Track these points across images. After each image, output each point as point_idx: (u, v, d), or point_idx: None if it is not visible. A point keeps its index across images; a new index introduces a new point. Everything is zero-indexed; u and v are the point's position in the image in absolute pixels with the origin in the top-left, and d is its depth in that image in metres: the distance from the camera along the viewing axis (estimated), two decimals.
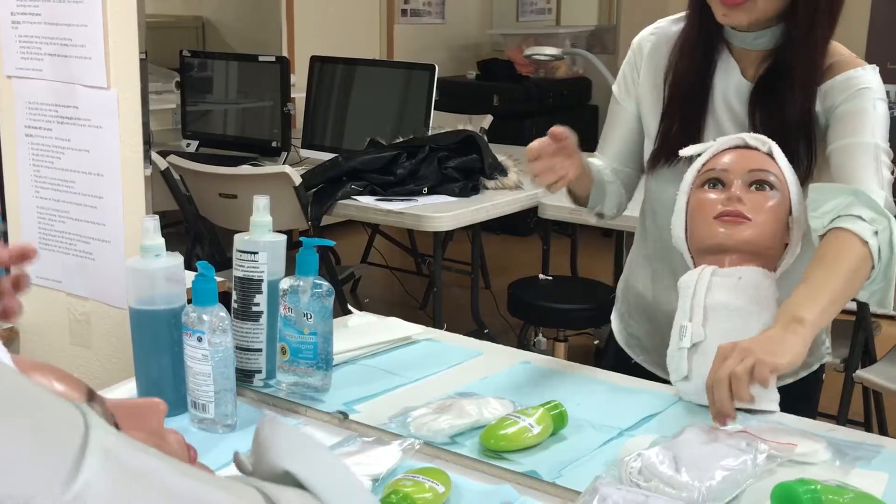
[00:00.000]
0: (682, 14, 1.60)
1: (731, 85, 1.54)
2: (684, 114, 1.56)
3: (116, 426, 0.63)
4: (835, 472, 1.15)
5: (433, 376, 1.45)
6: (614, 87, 1.68)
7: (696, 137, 1.54)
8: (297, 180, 2.99)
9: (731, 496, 1.06)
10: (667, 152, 1.57)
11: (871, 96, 1.46)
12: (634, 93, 1.65)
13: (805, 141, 1.49)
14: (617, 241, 3.60)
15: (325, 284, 1.34)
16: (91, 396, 0.62)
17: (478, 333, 3.10)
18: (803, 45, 1.46)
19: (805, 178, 1.49)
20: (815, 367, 1.63)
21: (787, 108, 1.48)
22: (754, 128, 1.50)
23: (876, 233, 1.34)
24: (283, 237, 1.39)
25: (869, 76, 1.48)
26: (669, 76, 1.58)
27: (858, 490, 1.06)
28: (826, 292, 1.30)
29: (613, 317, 1.77)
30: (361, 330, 1.62)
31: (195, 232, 3.41)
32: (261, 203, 1.37)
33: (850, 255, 1.33)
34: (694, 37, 1.55)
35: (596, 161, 1.66)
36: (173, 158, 3.33)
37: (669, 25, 1.64)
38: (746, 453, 1.10)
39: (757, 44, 1.51)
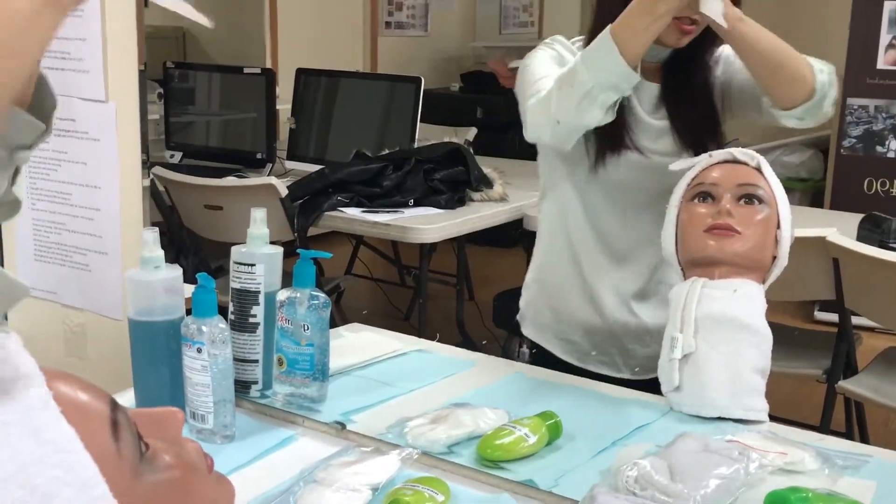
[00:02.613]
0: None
1: (638, 88, 1.64)
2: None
3: (139, 435, 0.64)
4: (824, 480, 1.17)
5: (428, 387, 1.47)
6: (556, 47, 1.72)
7: (624, 132, 1.65)
8: (284, 192, 3.00)
9: None
10: (611, 144, 1.66)
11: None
12: None
13: (712, 130, 1.67)
14: None
15: (322, 296, 1.35)
16: (114, 406, 0.63)
17: (466, 345, 3.12)
18: (702, 57, 1.66)
19: None
20: None
21: (696, 98, 1.66)
22: (672, 122, 1.66)
23: (822, 70, 1.53)
24: (280, 249, 1.40)
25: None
26: None
27: (849, 498, 1.08)
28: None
29: (530, 332, 1.85)
30: (353, 344, 1.64)
31: (179, 243, 3.42)
32: (258, 215, 1.39)
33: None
34: None
35: None
36: (157, 170, 3.34)
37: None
38: (739, 462, 1.13)
39: (661, 56, 1.65)
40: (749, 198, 1.45)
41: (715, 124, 1.68)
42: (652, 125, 1.67)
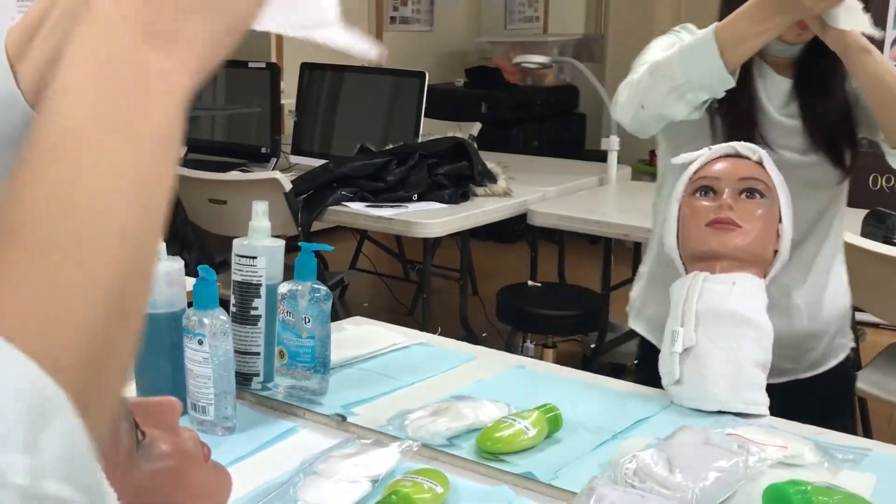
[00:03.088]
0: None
1: (768, 83, 1.62)
2: (736, 107, 1.61)
3: (136, 423, 0.64)
4: (824, 473, 1.17)
5: (429, 380, 1.47)
6: (682, 35, 1.69)
7: (754, 128, 1.61)
8: (288, 186, 3.01)
9: (724, 497, 1.09)
10: (737, 139, 1.58)
11: None
12: None
13: (847, 131, 1.62)
14: (605, 248, 3.63)
15: (323, 289, 1.35)
16: None
17: (468, 339, 3.12)
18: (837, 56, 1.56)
19: (847, 174, 1.63)
20: (832, 363, 1.71)
21: (831, 98, 1.61)
22: (804, 120, 1.61)
23: None
24: (282, 242, 1.40)
25: None
26: None
27: (847, 491, 1.08)
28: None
29: (638, 325, 1.80)
30: (355, 337, 1.64)
31: (183, 237, 3.42)
32: (260, 208, 1.39)
33: None
34: None
35: None
36: None
37: None
38: (738, 455, 1.13)
39: (793, 52, 1.60)
40: (750, 192, 1.45)
41: (849, 126, 1.62)
42: (781, 122, 1.63)
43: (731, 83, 1.50)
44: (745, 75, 1.60)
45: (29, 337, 0.38)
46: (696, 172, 1.51)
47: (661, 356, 1.44)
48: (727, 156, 1.50)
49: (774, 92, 1.64)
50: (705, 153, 1.52)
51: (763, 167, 1.49)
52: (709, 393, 1.37)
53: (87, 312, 0.41)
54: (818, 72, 1.61)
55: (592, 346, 3.60)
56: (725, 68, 1.47)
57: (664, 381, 1.42)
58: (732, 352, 1.38)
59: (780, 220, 1.47)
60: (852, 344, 1.76)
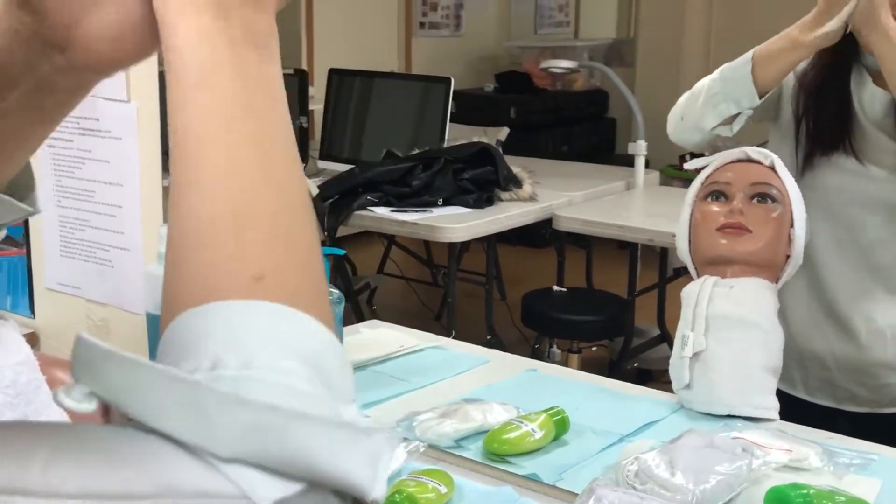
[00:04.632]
0: None
1: (865, 93, 1.59)
2: (823, 110, 1.60)
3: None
4: (828, 477, 1.17)
5: (440, 383, 1.49)
6: None
7: (842, 135, 1.59)
8: (315, 191, 3.04)
9: (725, 500, 1.09)
10: (822, 144, 1.61)
11: None
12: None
13: None
14: (632, 254, 3.63)
15: (336, 292, 1.37)
16: None
17: (494, 344, 3.14)
18: None
19: None
20: None
21: None
22: None
23: None
24: None
25: None
26: (805, 79, 1.62)
27: (851, 495, 1.09)
28: None
29: None
30: (369, 340, 1.66)
31: None
32: None
33: None
34: (829, 49, 1.56)
35: None
36: None
37: None
38: (742, 458, 1.13)
39: None
40: (762, 196, 1.46)
41: None
42: (874, 135, 1.58)
43: (755, 101, 1.52)
44: (841, 78, 1.59)
45: (308, 305, 0.47)
46: (708, 177, 1.51)
47: (671, 360, 1.44)
48: (739, 161, 1.50)
49: (871, 102, 1.58)
50: (718, 158, 1.52)
51: (776, 172, 1.49)
52: (718, 397, 1.37)
53: (316, 262, 0.50)
54: None
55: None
56: (754, 83, 1.51)
57: (674, 386, 1.42)
58: (742, 356, 1.38)
59: (791, 225, 1.47)
60: None
